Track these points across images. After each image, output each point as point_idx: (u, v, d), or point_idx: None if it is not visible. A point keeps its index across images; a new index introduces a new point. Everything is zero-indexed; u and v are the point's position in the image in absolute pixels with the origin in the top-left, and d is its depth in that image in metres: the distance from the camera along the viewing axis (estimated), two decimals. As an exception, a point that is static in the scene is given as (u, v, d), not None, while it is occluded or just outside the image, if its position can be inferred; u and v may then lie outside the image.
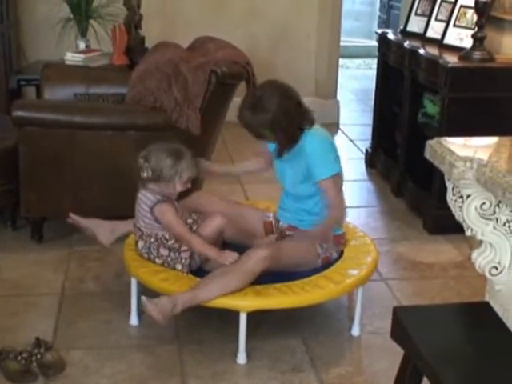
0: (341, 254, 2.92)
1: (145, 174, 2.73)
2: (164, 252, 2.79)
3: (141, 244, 2.84)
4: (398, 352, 1.95)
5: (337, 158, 2.82)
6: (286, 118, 2.71)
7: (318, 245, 2.83)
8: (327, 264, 2.86)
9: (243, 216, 3.02)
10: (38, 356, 2.58)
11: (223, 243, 2.90)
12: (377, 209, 4.20)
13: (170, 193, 2.79)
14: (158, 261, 2.81)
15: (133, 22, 4.72)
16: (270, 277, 2.74)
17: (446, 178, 1.91)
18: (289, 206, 2.92)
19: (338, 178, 2.80)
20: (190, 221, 2.85)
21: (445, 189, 1.95)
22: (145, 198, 2.77)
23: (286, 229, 2.94)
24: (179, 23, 5.46)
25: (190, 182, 2.79)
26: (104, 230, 3.04)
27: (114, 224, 3.05)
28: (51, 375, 2.56)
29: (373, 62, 7.57)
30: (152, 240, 2.80)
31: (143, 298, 2.60)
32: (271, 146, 2.94)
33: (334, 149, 2.83)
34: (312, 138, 2.78)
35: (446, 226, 3.59)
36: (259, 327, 2.85)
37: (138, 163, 2.75)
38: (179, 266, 2.76)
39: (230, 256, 2.68)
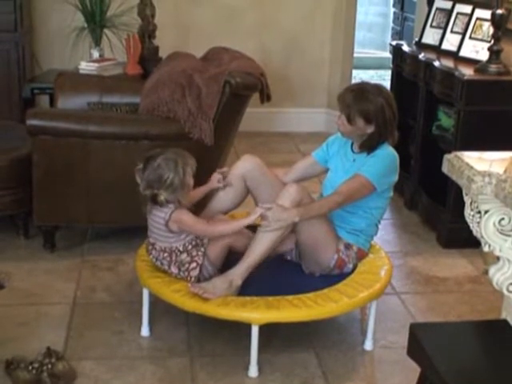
0: (355, 267, 2.90)
1: (162, 198, 2.70)
2: (174, 270, 2.78)
3: (152, 259, 2.83)
4: (412, 367, 1.92)
5: (388, 181, 2.87)
6: (381, 120, 2.82)
7: (343, 244, 2.85)
8: (339, 274, 2.85)
9: None
10: (49, 366, 2.57)
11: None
12: (390, 222, 4.17)
13: (186, 193, 2.78)
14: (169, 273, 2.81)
15: (147, 32, 4.73)
16: (283, 285, 2.76)
17: (464, 192, 1.88)
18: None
19: (368, 189, 2.81)
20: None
21: (459, 202, 1.92)
22: (159, 213, 2.75)
23: None
24: (193, 33, 5.46)
25: (195, 169, 2.79)
26: None
27: None
28: (62, 386, 2.55)
29: (386, 74, 7.56)
30: (165, 255, 2.78)
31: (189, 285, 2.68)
32: (322, 157, 3.03)
33: (393, 172, 2.89)
34: (386, 150, 2.87)
35: (460, 239, 3.58)
36: (271, 340, 2.83)
37: (147, 195, 2.73)
38: (189, 284, 2.73)
39: (260, 209, 2.71)
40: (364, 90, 2.83)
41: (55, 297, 3.16)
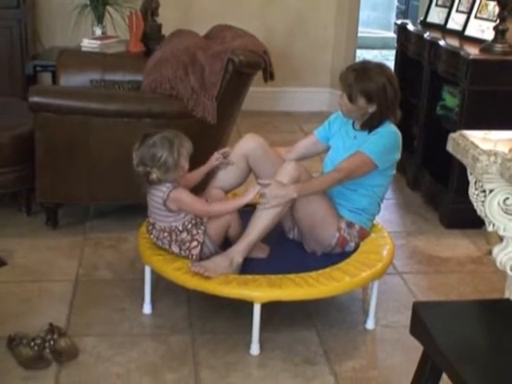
0: (357, 246, 2.90)
1: (154, 176, 2.69)
2: (175, 249, 2.77)
3: (153, 238, 2.83)
4: (413, 346, 1.92)
5: (389, 158, 2.85)
6: (382, 99, 2.80)
7: (344, 222, 2.85)
8: (341, 252, 2.85)
9: None
10: (51, 342, 2.58)
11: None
12: (392, 201, 4.17)
13: (180, 175, 2.77)
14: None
15: (150, 9, 4.71)
16: (285, 263, 2.75)
17: (468, 171, 1.87)
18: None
19: (369, 167, 2.80)
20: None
21: (462, 183, 1.91)
22: (157, 193, 2.74)
23: None
24: (196, 11, 5.43)
25: (191, 153, 2.77)
26: None
27: None
28: (64, 361, 2.55)
29: (390, 54, 7.52)
30: (165, 235, 2.78)
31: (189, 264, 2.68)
32: (324, 135, 3.02)
33: (395, 150, 2.87)
34: (388, 128, 2.86)
35: (463, 220, 3.58)
36: (273, 318, 2.84)
37: (140, 173, 2.71)
38: (189, 264, 2.73)
39: (258, 186, 2.71)
40: (366, 69, 2.82)
41: (57, 274, 3.17)
